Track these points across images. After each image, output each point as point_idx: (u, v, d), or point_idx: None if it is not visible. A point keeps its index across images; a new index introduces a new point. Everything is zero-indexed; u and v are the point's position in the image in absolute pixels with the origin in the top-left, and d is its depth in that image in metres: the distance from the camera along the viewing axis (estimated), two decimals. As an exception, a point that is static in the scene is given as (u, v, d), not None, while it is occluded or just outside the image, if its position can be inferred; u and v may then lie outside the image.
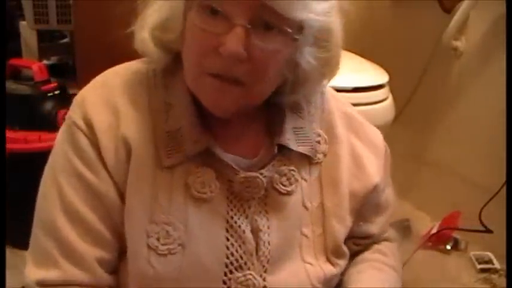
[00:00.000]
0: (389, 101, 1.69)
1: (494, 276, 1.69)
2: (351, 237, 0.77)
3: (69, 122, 0.68)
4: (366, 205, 0.76)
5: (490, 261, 1.74)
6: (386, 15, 2.07)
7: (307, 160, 0.72)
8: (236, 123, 0.69)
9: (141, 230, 0.64)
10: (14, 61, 1.89)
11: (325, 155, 0.74)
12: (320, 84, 0.72)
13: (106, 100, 0.68)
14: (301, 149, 0.71)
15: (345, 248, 0.74)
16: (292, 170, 0.71)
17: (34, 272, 0.65)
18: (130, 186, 0.65)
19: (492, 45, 1.74)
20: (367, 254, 0.80)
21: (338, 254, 0.73)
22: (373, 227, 0.79)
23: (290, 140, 0.70)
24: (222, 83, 0.62)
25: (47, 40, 2.90)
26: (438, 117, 1.96)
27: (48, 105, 1.77)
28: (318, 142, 0.73)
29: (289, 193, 0.70)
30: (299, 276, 0.70)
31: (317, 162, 0.73)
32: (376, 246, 0.82)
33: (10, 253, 1.71)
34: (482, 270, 1.72)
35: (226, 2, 0.59)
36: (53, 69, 2.25)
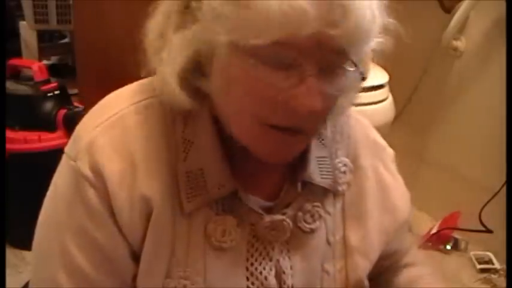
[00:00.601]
0: (389, 101, 1.69)
1: (494, 276, 1.69)
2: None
3: (74, 169, 0.60)
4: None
5: (490, 261, 1.74)
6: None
7: (331, 192, 0.67)
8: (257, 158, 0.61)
9: (158, 286, 0.60)
10: (14, 61, 1.89)
11: (349, 185, 0.69)
12: (348, 108, 0.67)
13: (119, 145, 0.60)
14: (323, 182, 0.66)
15: (366, 283, 0.70)
16: (317, 205, 0.66)
17: None
18: (148, 241, 0.60)
19: (492, 45, 1.74)
20: (412, 271, 0.77)
21: None
22: (401, 244, 0.77)
23: (313, 173, 0.65)
24: (289, 136, 0.56)
25: (47, 40, 2.90)
26: (438, 117, 1.96)
27: (48, 105, 1.77)
28: (344, 172, 0.68)
29: (312, 231, 0.66)
30: None
31: (341, 194, 0.68)
32: (408, 260, 0.78)
33: (10, 253, 1.71)
34: (482, 270, 1.72)
35: (299, 50, 0.51)
36: (52, 69, 2.25)
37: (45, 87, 1.78)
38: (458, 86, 1.89)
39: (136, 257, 0.61)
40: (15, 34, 2.71)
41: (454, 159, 1.89)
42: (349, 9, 0.51)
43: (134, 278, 0.61)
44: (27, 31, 2.67)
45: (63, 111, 1.76)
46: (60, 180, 0.62)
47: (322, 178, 0.66)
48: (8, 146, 1.61)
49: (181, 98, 0.58)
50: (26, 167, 1.69)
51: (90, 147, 0.59)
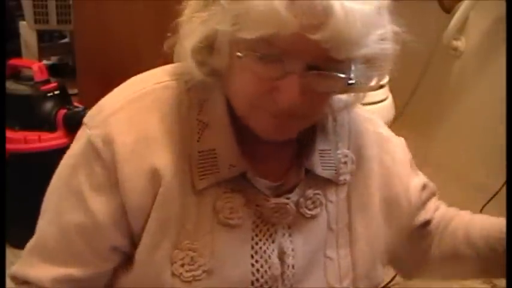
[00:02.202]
0: (389, 101, 1.69)
1: (494, 276, 1.69)
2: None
3: (88, 137, 0.64)
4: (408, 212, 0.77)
5: (490, 261, 1.74)
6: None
7: (333, 181, 0.71)
8: (269, 142, 0.65)
9: (166, 257, 0.63)
10: (14, 61, 1.90)
11: (352, 175, 0.72)
12: (353, 104, 0.71)
13: (135, 119, 0.64)
14: (325, 173, 0.69)
15: (379, 272, 0.73)
16: (318, 193, 0.69)
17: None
18: (156, 213, 0.63)
19: (492, 45, 1.74)
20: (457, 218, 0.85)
21: (369, 278, 0.72)
22: (427, 214, 0.81)
23: (315, 164, 0.68)
24: (281, 120, 0.60)
25: (46, 40, 2.91)
26: (438, 117, 1.96)
27: (48, 105, 1.77)
28: (345, 163, 0.71)
29: (313, 217, 0.69)
30: None
31: (344, 183, 0.71)
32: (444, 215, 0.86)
33: (10, 253, 1.71)
34: (482, 270, 1.72)
35: (281, 48, 0.55)
36: (52, 69, 2.26)
37: (45, 87, 1.79)
38: (458, 86, 1.89)
39: (125, 230, 0.64)
40: (15, 34, 2.71)
41: (454, 160, 1.89)
42: (331, 15, 0.51)
43: (112, 250, 0.65)
44: (27, 31, 2.67)
45: (63, 111, 1.76)
46: (75, 144, 0.67)
47: (323, 169, 0.69)
48: (8, 146, 1.61)
49: (195, 72, 0.62)
50: (26, 167, 1.69)
51: (107, 119, 0.64)
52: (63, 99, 1.82)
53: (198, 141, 0.64)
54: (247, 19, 0.54)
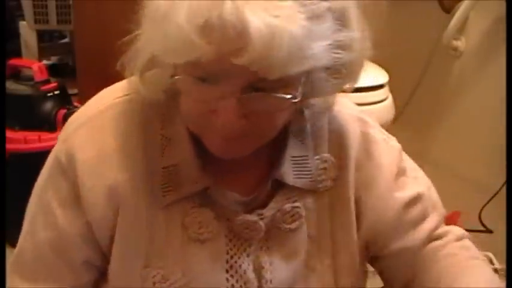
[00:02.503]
0: (389, 101, 1.69)
1: (494, 276, 1.69)
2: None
3: (55, 152, 0.65)
4: (389, 224, 0.70)
5: (490, 261, 1.74)
6: (386, 15, 2.07)
7: (312, 190, 0.67)
8: None
9: (136, 274, 0.62)
10: (14, 61, 1.89)
11: (335, 180, 0.68)
12: (328, 108, 0.67)
13: (95, 136, 0.63)
14: (298, 182, 0.65)
15: (363, 284, 0.71)
16: (296, 206, 0.66)
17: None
18: (121, 230, 0.62)
19: (492, 45, 1.73)
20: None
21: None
22: (408, 242, 0.71)
23: (286, 173, 0.65)
24: (229, 141, 0.57)
25: (46, 40, 2.90)
26: (438, 117, 1.96)
27: (48, 105, 1.77)
28: (324, 169, 0.67)
29: (292, 230, 0.66)
30: None
31: (325, 189, 0.68)
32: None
33: (10, 253, 1.71)
34: (482, 270, 1.72)
35: (212, 71, 0.52)
36: (52, 69, 2.25)
37: (45, 87, 1.79)
38: (458, 86, 1.89)
39: (94, 245, 0.64)
40: (15, 34, 2.71)
41: (454, 159, 1.89)
42: (248, 39, 0.48)
43: (85, 264, 0.65)
44: (27, 31, 2.67)
45: (63, 111, 1.76)
46: (48, 158, 0.67)
47: (297, 178, 0.65)
48: (8, 146, 1.61)
49: (144, 93, 0.61)
50: (26, 167, 1.69)
51: (70, 135, 0.64)
52: (63, 99, 1.82)
53: (162, 156, 0.63)
54: (167, 45, 0.52)
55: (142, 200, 0.62)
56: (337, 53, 0.55)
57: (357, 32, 0.57)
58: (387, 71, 1.71)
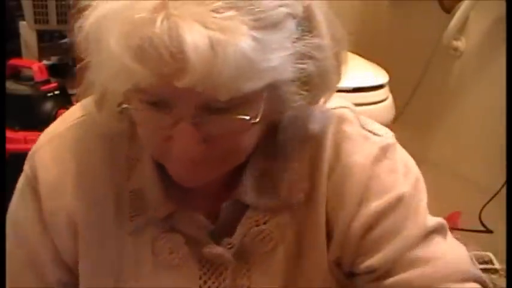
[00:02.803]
0: (389, 101, 1.69)
1: (494, 276, 1.69)
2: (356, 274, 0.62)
3: (24, 170, 0.63)
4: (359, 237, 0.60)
5: (490, 261, 1.74)
6: (386, 15, 2.07)
7: (285, 205, 0.60)
8: None
9: None
10: (14, 61, 1.89)
11: (306, 193, 0.60)
12: (303, 113, 0.58)
13: (58, 156, 0.60)
14: (261, 202, 0.59)
15: None
16: (266, 229, 0.60)
17: None
18: (86, 258, 0.60)
19: (492, 45, 1.73)
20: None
21: None
22: (375, 260, 0.59)
23: (247, 192, 0.58)
24: (191, 168, 0.52)
25: (47, 40, 2.90)
26: (438, 117, 1.96)
27: (48, 106, 1.77)
28: (295, 181, 0.60)
29: (268, 252, 0.60)
30: None
31: (299, 204, 0.60)
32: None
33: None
34: (482, 271, 1.71)
35: (160, 96, 0.48)
36: (53, 69, 2.25)
37: (45, 87, 1.78)
38: (458, 86, 1.88)
39: (66, 266, 0.62)
40: (15, 34, 2.70)
41: (454, 159, 1.89)
42: (186, 61, 0.42)
43: (63, 285, 0.62)
44: (27, 31, 2.66)
45: (63, 111, 1.76)
46: (23, 171, 0.65)
47: (261, 197, 0.59)
48: (8, 146, 1.61)
49: (102, 120, 0.57)
50: (26, 167, 1.69)
51: (35, 154, 0.62)
52: (63, 99, 1.81)
53: (128, 179, 0.60)
54: (104, 73, 0.48)
55: (108, 225, 0.60)
56: (303, 63, 0.49)
57: (325, 37, 0.51)
58: (387, 71, 1.71)
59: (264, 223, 0.60)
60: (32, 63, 1.88)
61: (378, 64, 1.75)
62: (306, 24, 0.50)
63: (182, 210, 0.59)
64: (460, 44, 1.83)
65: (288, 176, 0.60)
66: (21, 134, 1.73)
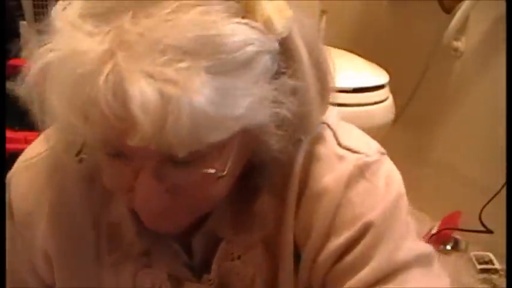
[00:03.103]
0: (390, 101, 1.69)
1: (494, 277, 1.69)
2: None
3: (6, 182, 0.60)
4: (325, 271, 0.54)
5: (490, 262, 1.74)
6: (386, 15, 2.06)
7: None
8: None
9: None
10: (14, 61, 1.89)
11: (277, 222, 0.55)
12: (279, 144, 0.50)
13: (32, 186, 0.57)
14: (235, 234, 0.54)
15: None
16: (242, 264, 0.55)
17: None
18: (64, 285, 0.58)
19: (492, 45, 1.73)
20: None
21: None
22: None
23: (220, 226, 0.54)
24: (152, 217, 0.48)
25: (47, 40, 2.90)
26: (438, 117, 1.96)
27: (48, 105, 1.77)
28: (266, 211, 0.55)
29: (248, 285, 0.56)
30: None
31: (271, 234, 0.55)
32: None
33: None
34: (482, 271, 1.72)
35: (121, 149, 0.44)
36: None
37: (45, 87, 1.78)
38: (458, 86, 1.88)
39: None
40: (16, 34, 2.70)
41: (454, 159, 1.89)
42: (133, 121, 0.38)
43: None
44: (27, 31, 2.66)
45: (63, 111, 1.76)
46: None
47: (234, 229, 0.54)
48: (8, 146, 1.61)
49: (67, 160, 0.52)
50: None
51: (10, 178, 0.59)
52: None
53: (106, 211, 0.56)
54: (54, 125, 0.46)
55: (86, 257, 0.57)
56: (279, 106, 0.44)
57: (307, 70, 0.46)
58: (387, 71, 1.71)
59: (239, 257, 0.56)
60: (32, 63, 1.88)
61: (378, 64, 1.75)
62: (283, 58, 0.45)
63: (159, 244, 0.55)
64: (460, 44, 1.83)
65: (259, 207, 0.54)
66: (21, 134, 1.72)
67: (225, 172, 0.45)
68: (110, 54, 0.38)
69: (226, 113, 0.40)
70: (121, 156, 0.44)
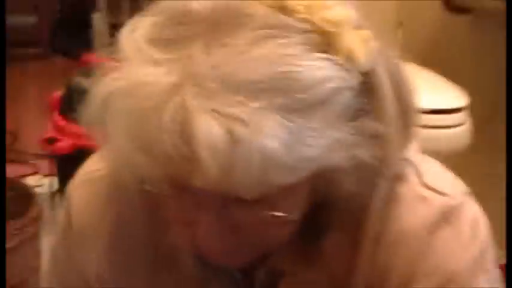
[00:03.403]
0: (467, 125, 1.60)
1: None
2: None
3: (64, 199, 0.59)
4: None
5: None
6: (469, 31, 1.98)
7: None
8: None
9: None
10: (87, 58, 1.92)
11: (347, 264, 0.52)
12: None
13: (92, 202, 0.56)
14: (299, 270, 0.51)
15: None
16: None
17: None
18: None
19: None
20: None
21: None
22: None
23: (284, 260, 0.51)
24: (215, 255, 0.47)
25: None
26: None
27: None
28: (336, 250, 0.52)
29: None
30: None
31: (340, 274, 0.52)
32: None
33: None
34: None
35: (179, 191, 0.42)
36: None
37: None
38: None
39: None
40: (89, 25, 2.76)
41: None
42: (200, 160, 0.36)
43: None
44: (99, 23, 2.72)
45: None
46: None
47: (298, 264, 0.51)
48: (77, 141, 1.64)
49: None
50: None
51: (72, 192, 0.57)
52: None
53: (165, 233, 0.52)
54: (114, 160, 0.44)
55: (142, 281, 0.55)
56: (357, 146, 0.41)
57: (390, 110, 0.43)
58: (467, 92, 1.63)
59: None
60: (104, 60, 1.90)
61: (458, 83, 1.68)
62: (365, 95, 0.42)
63: (220, 272, 0.53)
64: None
65: (327, 244, 0.51)
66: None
67: (295, 216, 0.44)
68: (178, 87, 0.37)
69: (299, 156, 0.38)
70: (184, 190, 0.42)
